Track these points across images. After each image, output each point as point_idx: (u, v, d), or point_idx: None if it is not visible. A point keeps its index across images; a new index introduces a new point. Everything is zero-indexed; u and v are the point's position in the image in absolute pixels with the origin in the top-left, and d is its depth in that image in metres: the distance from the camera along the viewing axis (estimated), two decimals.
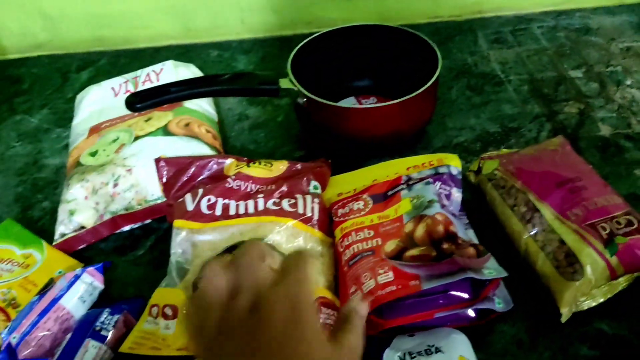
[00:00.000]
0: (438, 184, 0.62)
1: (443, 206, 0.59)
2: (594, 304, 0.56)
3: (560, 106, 0.82)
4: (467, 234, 0.60)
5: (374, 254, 0.56)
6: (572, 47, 0.95)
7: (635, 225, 0.57)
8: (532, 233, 0.59)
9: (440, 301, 0.52)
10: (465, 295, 0.52)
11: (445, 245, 0.54)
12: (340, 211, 0.63)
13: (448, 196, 0.62)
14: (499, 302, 0.54)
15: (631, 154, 0.73)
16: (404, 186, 0.63)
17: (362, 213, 0.61)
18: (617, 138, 0.76)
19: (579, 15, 1.03)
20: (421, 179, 0.63)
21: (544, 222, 0.59)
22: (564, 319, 0.55)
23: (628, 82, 0.86)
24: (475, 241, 0.59)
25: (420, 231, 0.56)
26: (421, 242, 0.55)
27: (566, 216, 0.58)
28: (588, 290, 0.55)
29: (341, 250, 0.59)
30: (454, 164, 0.65)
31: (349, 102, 0.84)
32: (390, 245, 0.56)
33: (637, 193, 0.68)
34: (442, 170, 0.64)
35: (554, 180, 0.62)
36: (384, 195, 0.63)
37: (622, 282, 0.56)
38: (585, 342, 0.54)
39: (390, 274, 0.53)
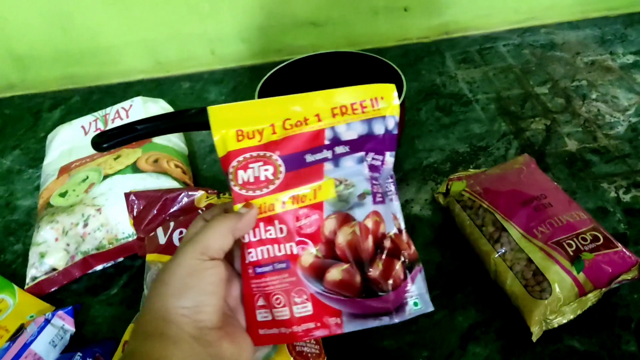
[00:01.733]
0: (370, 155, 0.49)
1: (375, 195, 0.48)
2: (564, 321, 0.56)
3: (527, 123, 0.83)
4: (395, 213, 0.49)
5: (289, 268, 0.46)
6: (538, 63, 0.96)
7: (601, 241, 0.58)
8: (500, 253, 0.60)
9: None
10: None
11: (372, 271, 0.46)
12: (241, 174, 0.47)
13: (378, 168, 0.49)
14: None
15: (598, 168, 0.75)
16: (329, 155, 0.48)
17: (272, 187, 0.47)
18: (583, 152, 0.77)
19: (544, 31, 1.05)
20: (351, 149, 0.48)
21: (512, 241, 0.59)
22: (534, 338, 0.55)
23: (593, 96, 0.87)
24: (400, 218, 0.49)
25: (343, 239, 0.46)
26: (343, 255, 0.46)
27: (533, 234, 0.59)
28: (557, 308, 0.55)
29: (244, 241, 0.46)
30: (390, 111, 0.49)
31: None
32: (308, 258, 0.46)
33: (605, 207, 0.69)
34: (377, 127, 0.48)
35: (520, 199, 0.62)
36: (301, 160, 0.48)
37: (591, 298, 0.57)
38: (557, 359, 0.55)
39: (309, 307, 0.46)
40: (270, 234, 0.47)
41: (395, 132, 0.49)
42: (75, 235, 0.67)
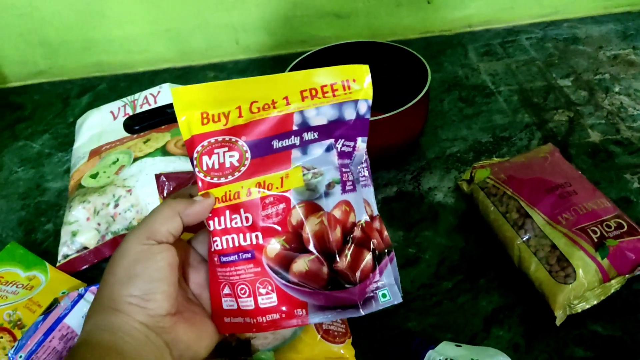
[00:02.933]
0: (340, 142, 0.46)
1: (345, 184, 0.45)
2: (587, 306, 0.57)
3: (550, 115, 0.84)
4: (367, 199, 0.47)
5: (254, 259, 0.44)
6: (561, 56, 0.97)
7: (626, 228, 0.58)
8: (524, 239, 0.60)
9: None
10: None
11: (340, 263, 0.43)
12: (206, 160, 0.45)
13: (349, 154, 0.47)
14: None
15: (621, 159, 0.75)
16: (297, 142, 0.45)
17: (237, 175, 0.45)
18: (606, 144, 0.78)
19: (567, 25, 1.05)
20: (320, 136, 0.45)
21: (536, 228, 0.60)
22: (558, 322, 0.56)
23: (616, 89, 0.88)
24: (374, 204, 0.48)
25: (310, 229, 0.44)
26: (310, 245, 0.44)
27: (557, 221, 0.60)
28: (581, 293, 0.56)
29: (210, 229, 0.45)
30: (362, 95, 0.46)
31: None
32: (274, 248, 0.44)
33: (628, 197, 0.70)
34: (348, 112, 0.46)
35: (544, 187, 0.63)
36: (268, 146, 0.45)
37: (614, 285, 0.57)
38: (580, 344, 0.55)
39: (274, 297, 0.44)
40: (236, 223, 0.44)
41: (368, 116, 0.47)
42: (106, 215, 0.68)
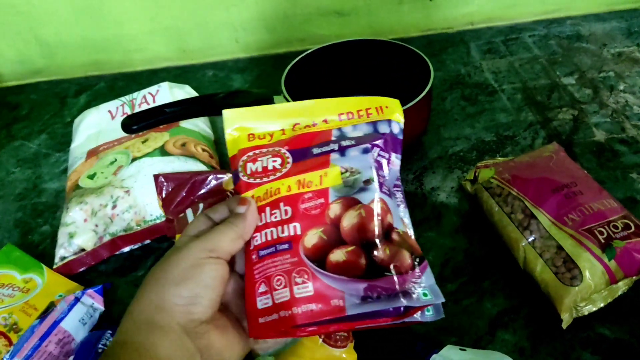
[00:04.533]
0: (376, 150, 0.49)
1: (381, 185, 0.48)
2: (594, 308, 0.56)
3: (554, 113, 0.83)
4: (402, 218, 0.49)
5: (291, 249, 0.45)
6: (564, 54, 0.96)
7: (633, 229, 0.57)
8: (530, 240, 0.59)
9: (365, 317, 0.44)
10: (393, 315, 0.44)
11: (379, 253, 0.44)
12: (250, 167, 0.48)
13: (384, 166, 0.50)
14: (428, 310, 0.46)
15: (626, 158, 0.74)
16: (336, 147, 0.48)
17: (278, 175, 0.48)
18: (612, 142, 0.76)
19: (570, 22, 1.04)
20: (357, 142, 0.49)
21: (541, 229, 0.59)
22: (565, 325, 0.54)
23: (621, 87, 0.87)
24: (409, 226, 0.50)
25: (348, 222, 0.45)
26: (348, 237, 0.44)
27: (563, 222, 0.59)
28: (588, 295, 0.55)
29: None
30: (395, 117, 0.51)
31: None
32: (312, 239, 0.44)
33: (635, 197, 0.68)
34: (382, 128, 0.50)
35: (550, 186, 0.62)
36: (308, 153, 0.49)
37: (621, 286, 0.56)
38: (587, 347, 0.54)
39: (310, 287, 0.43)
40: (275, 217, 0.46)
41: (401, 137, 0.51)
42: (104, 216, 0.67)
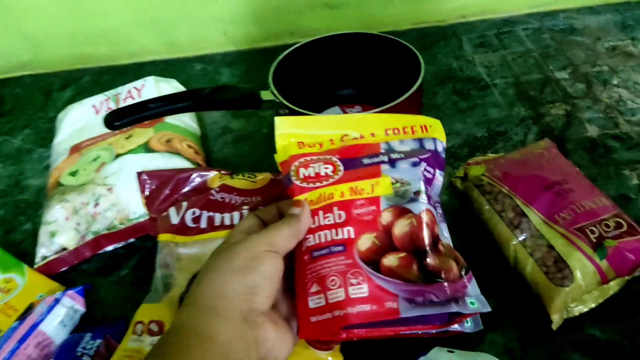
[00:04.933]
0: (423, 165, 0.51)
1: (429, 198, 0.50)
2: (585, 309, 0.55)
3: (547, 108, 0.81)
4: (444, 232, 0.52)
5: (345, 251, 0.46)
6: (558, 48, 0.94)
7: (625, 228, 0.56)
8: (520, 239, 0.58)
9: (412, 323, 0.46)
10: (439, 322, 0.47)
11: (430, 260, 0.45)
12: (303, 172, 0.50)
13: (430, 181, 0.52)
14: (468, 322, 0.49)
15: (619, 154, 0.73)
16: (386, 159, 0.51)
17: (331, 181, 0.50)
18: (604, 138, 0.75)
19: (564, 15, 1.02)
20: (406, 156, 0.51)
21: (532, 227, 0.58)
22: (555, 326, 0.53)
23: (614, 82, 0.85)
24: (449, 240, 0.52)
25: (400, 230, 0.46)
26: (400, 244, 0.46)
27: (554, 220, 0.57)
28: (579, 296, 0.53)
29: None
30: (439, 136, 0.54)
31: (334, 112, 0.83)
32: (365, 243, 0.46)
33: (627, 194, 0.67)
34: (428, 145, 0.53)
35: (541, 184, 0.61)
36: (359, 162, 0.51)
37: (613, 287, 0.55)
38: (577, 349, 0.53)
39: (365, 288, 0.44)
40: (329, 220, 0.48)
41: (444, 155, 0.54)
42: (86, 214, 0.66)
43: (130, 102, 0.80)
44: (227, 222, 0.61)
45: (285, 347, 0.44)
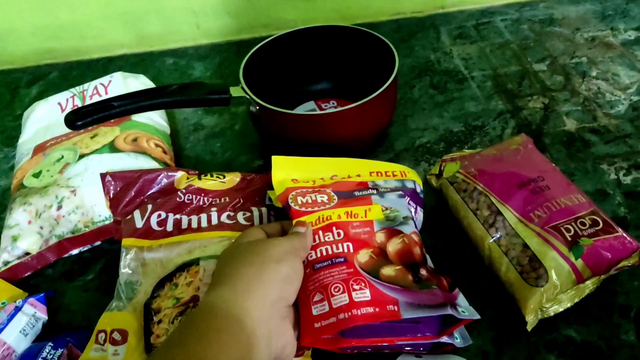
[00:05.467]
0: (407, 199, 0.58)
1: (415, 225, 0.56)
2: (560, 309, 0.53)
3: (525, 101, 0.80)
4: (429, 260, 0.55)
5: (347, 262, 0.50)
6: (536, 39, 0.93)
7: (601, 226, 0.55)
8: (495, 237, 0.57)
9: (408, 332, 0.49)
10: (433, 329, 0.49)
11: (423, 272, 0.50)
12: (300, 199, 0.56)
13: (412, 215, 0.58)
14: (457, 338, 0.51)
15: (597, 148, 0.71)
16: (374, 192, 0.58)
17: (328, 207, 0.55)
18: (582, 132, 0.74)
19: (543, 6, 1.01)
20: (391, 190, 0.59)
21: (507, 226, 0.57)
22: (529, 327, 0.52)
23: (593, 74, 0.84)
24: (432, 266, 0.54)
25: (394, 248, 0.52)
26: (395, 260, 0.51)
27: (529, 218, 0.56)
28: (553, 296, 0.52)
29: None
30: (418, 180, 0.62)
31: (309, 107, 0.81)
32: (363, 257, 0.51)
33: (605, 189, 0.66)
34: (408, 185, 0.61)
35: (516, 181, 0.59)
36: (351, 195, 0.57)
37: (589, 286, 0.54)
38: (553, 350, 0.52)
39: (367, 293, 0.47)
40: (329, 238, 0.52)
41: (422, 196, 0.62)
42: (49, 218, 0.63)
43: (97, 98, 0.77)
44: (194, 224, 0.59)
45: (293, 347, 0.47)
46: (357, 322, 0.46)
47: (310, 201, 0.56)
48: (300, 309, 0.49)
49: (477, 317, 0.49)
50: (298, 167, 0.60)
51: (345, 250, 0.51)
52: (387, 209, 0.55)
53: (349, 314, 0.46)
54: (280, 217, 0.61)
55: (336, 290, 0.48)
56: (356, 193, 0.57)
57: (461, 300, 0.50)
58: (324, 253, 0.51)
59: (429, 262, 0.53)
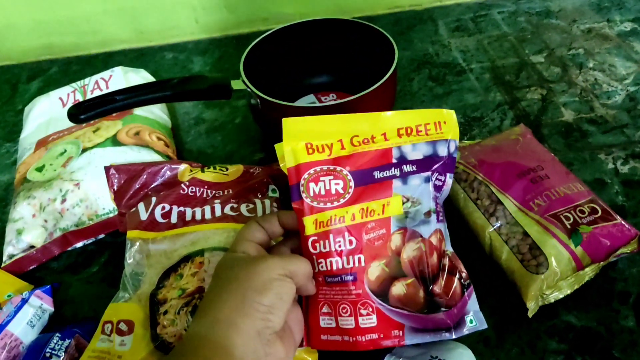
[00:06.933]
0: (435, 175, 0.51)
1: (438, 214, 0.51)
2: (560, 296, 0.54)
3: (523, 93, 0.81)
4: (446, 234, 0.52)
5: (356, 280, 0.48)
6: (533, 31, 0.93)
7: (600, 213, 0.56)
8: (495, 226, 0.58)
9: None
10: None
11: (436, 288, 0.47)
12: (312, 187, 0.50)
13: (440, 187, 0.52)
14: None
15: (595, 138, 0.72)
16: (397, 172, 0.50)
17: (342, 201, 0.49)
18: (580, 123, 0.75)
19: None
20: (418, 168, 0.51)
21: (507, 215, 0.57)
22: (530, 314, 0.53)
23: (590, 65, 0.85)
24: (448, 241, 0.52)
25: (408, 255, 0.48)
26: (407, 270, 0.48)
27: (529, 207, 0.57)
28: (554, 283, 0.53)
29: (314, 251, 0.49)
30: (453, 134, 0.52)
31: (309, 100, 0.82)
32: (375, 271, 0.48)
33: (603, 178, 0.67)
34: (441, 150, 0.52)
35: (516, 171, 0.60)
36: (370, 176, 0.50)
37: (588, 273, 0.55)
38: (553, 336, 0.53)
39: (374, 319, 0.47)
40: (340, 246, 0.49)
41: (456, 155, 0.53)
42: (53, 211, 0.64)
43: (97, 93, 0.78)
44: (198, 216, 0.59)
45: (290, 355, 0.47)
46: (360, 349, 0.47)
47: (323, 192, 0.50)
48: (309, 312, 0.50)
49: (484, 326, 0.48)
50: (313, 127, 0.52)
51: (357, 264, 0.48)
52: (407, 199, 0.50)
53: (354, 339, 0.48)
54: (285, 205, 0.61)
55: (344, 311, 0.48)
56: (376, 174, 0.50)
57: (472, 304, 0.49)
58: (334, 267, 0.49)
59: (448, 247, 0.51)
